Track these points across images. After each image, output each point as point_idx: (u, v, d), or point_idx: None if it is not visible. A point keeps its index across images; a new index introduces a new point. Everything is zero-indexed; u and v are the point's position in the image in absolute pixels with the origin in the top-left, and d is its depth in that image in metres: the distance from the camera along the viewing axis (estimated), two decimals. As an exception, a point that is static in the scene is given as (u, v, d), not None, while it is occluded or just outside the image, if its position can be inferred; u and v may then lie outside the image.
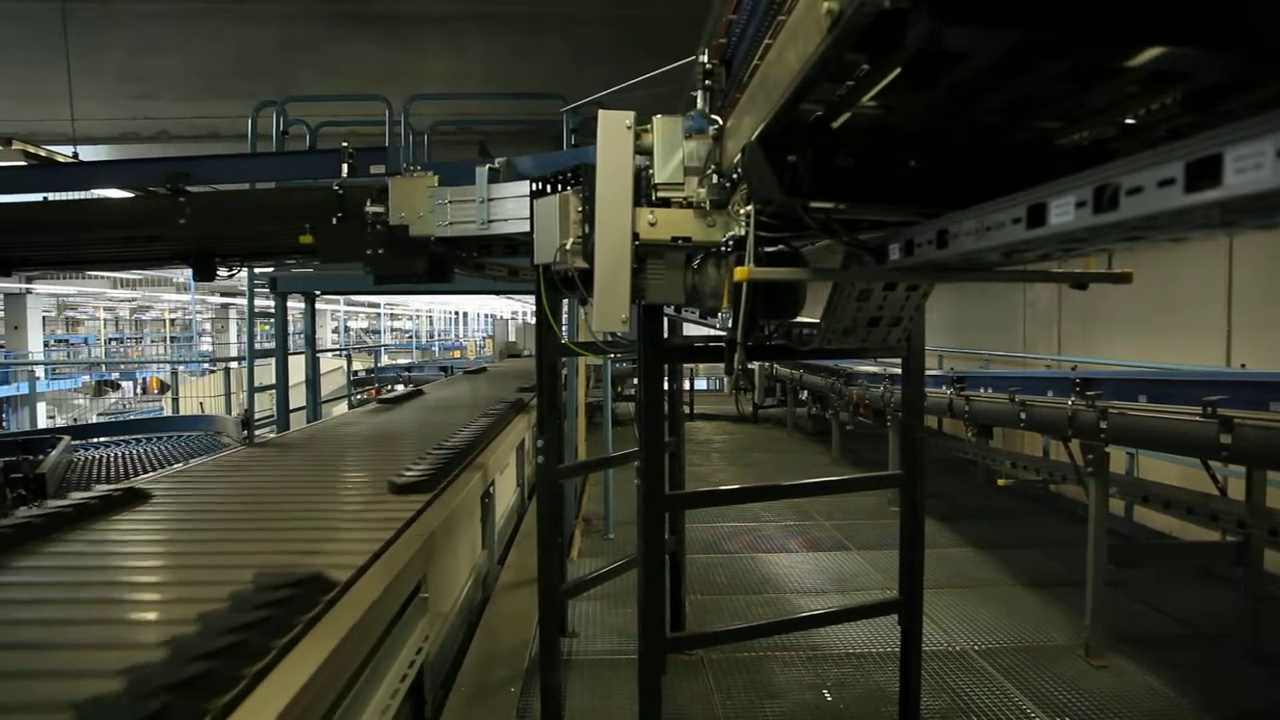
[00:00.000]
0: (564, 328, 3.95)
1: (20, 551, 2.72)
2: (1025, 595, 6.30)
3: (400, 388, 12.95)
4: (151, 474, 4.22)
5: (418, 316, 40.93)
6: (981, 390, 7.10)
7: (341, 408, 13.15)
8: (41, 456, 5.89)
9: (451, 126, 9.68)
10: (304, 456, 4.70)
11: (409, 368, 18.21)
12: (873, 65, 1.60)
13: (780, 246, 2.71)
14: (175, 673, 1.64)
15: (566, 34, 10.28)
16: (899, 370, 3.74)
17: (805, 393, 13.83)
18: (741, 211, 2.34)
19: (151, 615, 2.20)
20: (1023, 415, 6.12)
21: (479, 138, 9.88)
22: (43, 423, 16.71)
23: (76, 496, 3.24)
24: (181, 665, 1.68)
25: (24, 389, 17.59)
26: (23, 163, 5.62)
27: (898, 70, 1.57)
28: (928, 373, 4.15)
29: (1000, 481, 8.15)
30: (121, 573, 2.58)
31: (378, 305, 36.01)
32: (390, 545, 2.70)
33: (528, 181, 3.33)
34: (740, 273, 2.20)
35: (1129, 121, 1.84)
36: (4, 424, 17.51)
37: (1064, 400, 5.49)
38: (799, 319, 3.02)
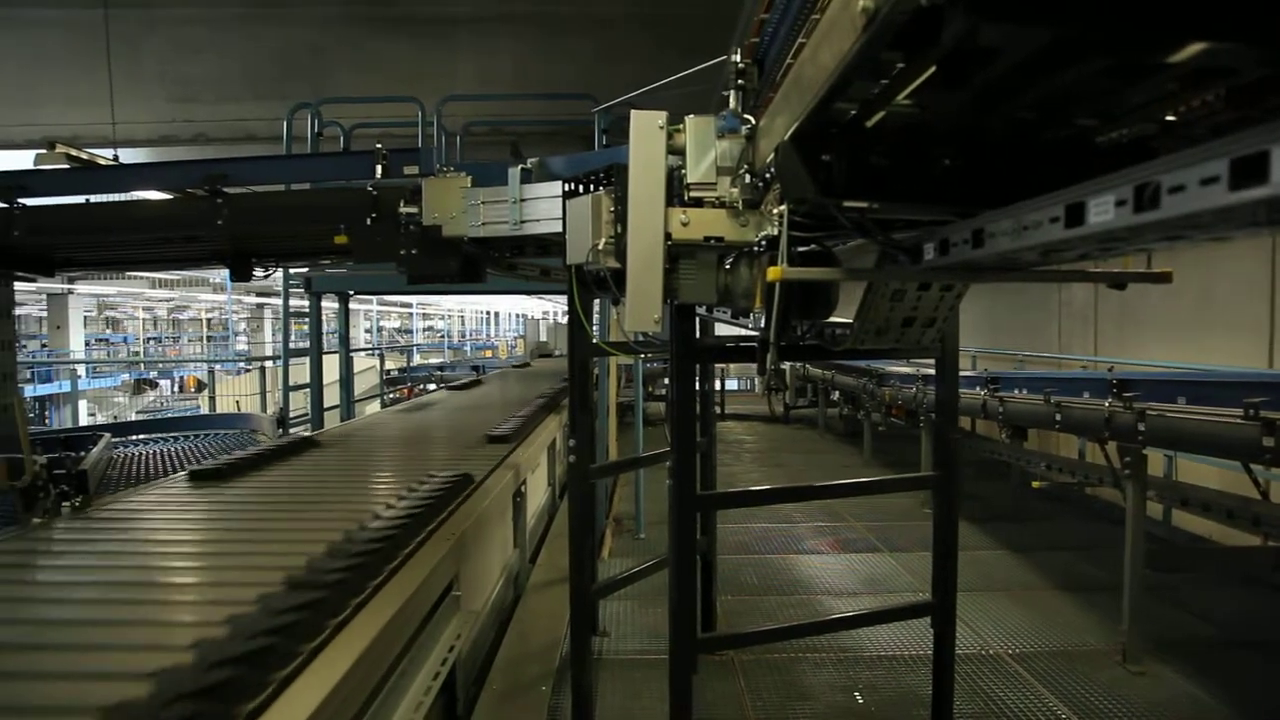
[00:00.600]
0: (595, 327, 3.96)
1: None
2: (1060, 599, 6.22)
3: (433, 386, 13.05)
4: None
5: (449, 316, 41.20)
6: (1016, 391, 7.02)
7: (374, 406, 13.27)
8: (83, 453, 5.98)
9: (483, 127, 9.73)
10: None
11: (441, 367, 18.32)
12: (908, 63, 1.59)
13: (813, 246, 2.70)
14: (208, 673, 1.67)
15: (596, 34, 10.32)
16: (932, 371, 3.71)
17: (837, 393, 13.75)
18: (775, 211, 2.33)
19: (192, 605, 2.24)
20: (1058, 417, 6.04)
21: (510, 138, 9.90)
22: (84, 420, 17.01)
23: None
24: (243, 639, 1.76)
25: (66, 387, 17.93)
26: (66, 166, 5.72)
27: (933, 68, 1.56)
28: (961, 373, 4.12)
29: (1035, 484, 8.05)
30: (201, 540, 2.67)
31: (410, 305, 36.29)
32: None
33: (560, 182, 3.34)
34: (773, 272, 2.19)
35: (1169, 118, 1.81)
36: (46, 421, 17.82)
37: (1101, 402, 5.41)
38: (832, 319, 3.00)
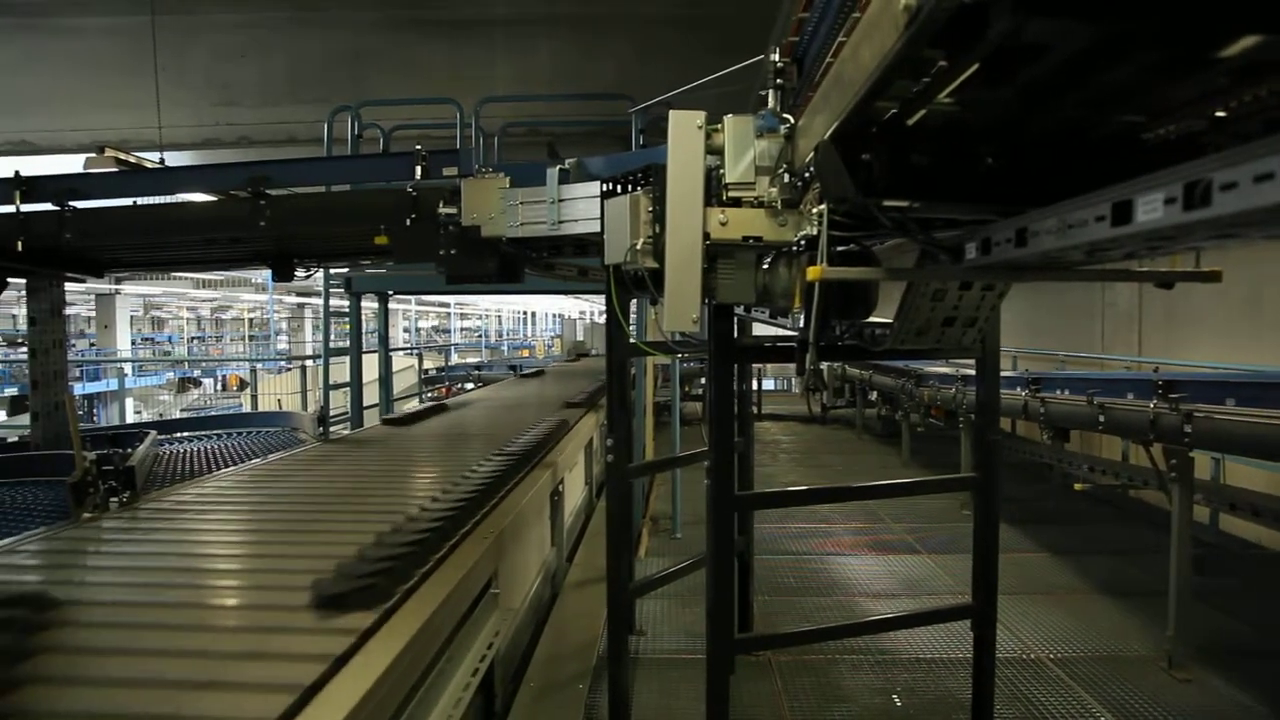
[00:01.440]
0: (632, 327, 3.96)
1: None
2: (1103, 603, 6.13)
3: (471, 385, 13.16)
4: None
5: (487, 316, 41.46)
6: (1058, 392, 6.93)
7: (412, 404, 13.38)
8: (130, 450, 6.10)
9: (521, 128, 9.78)
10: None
11: (478, 366, 18.43)
12: (951, 61, 1.58)
13: (851, 246, 2.68)
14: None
15: (633, 35, 10.33)
16: (971, 371, 3.67)
17: (875, 393, 13.65)
18: (814, 211, 2.32)
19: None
20: (1101, 418, 5.95)
21: (548, 139, 9.97)
22: (130, 417, 17.36)
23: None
24: None
25: (113, 385, 18.31)
26: (114, 169, 5.83)
27: (976, 65, 1.54)
28: (1001, 374, 4.07)
29: (1077, 486, 7.93)
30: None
31: (448, 305, 36.57)
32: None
33: (598, 182, 3.34)
34: (813, 272, 2.18)
35: (1220, 114, 1.77)
36: (95, 418, 18.20)
37: (1145, 403, 5.32)
38: (871, 319, 2.98)
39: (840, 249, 2.53)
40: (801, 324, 2.55)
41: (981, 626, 3.57)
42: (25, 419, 7.97)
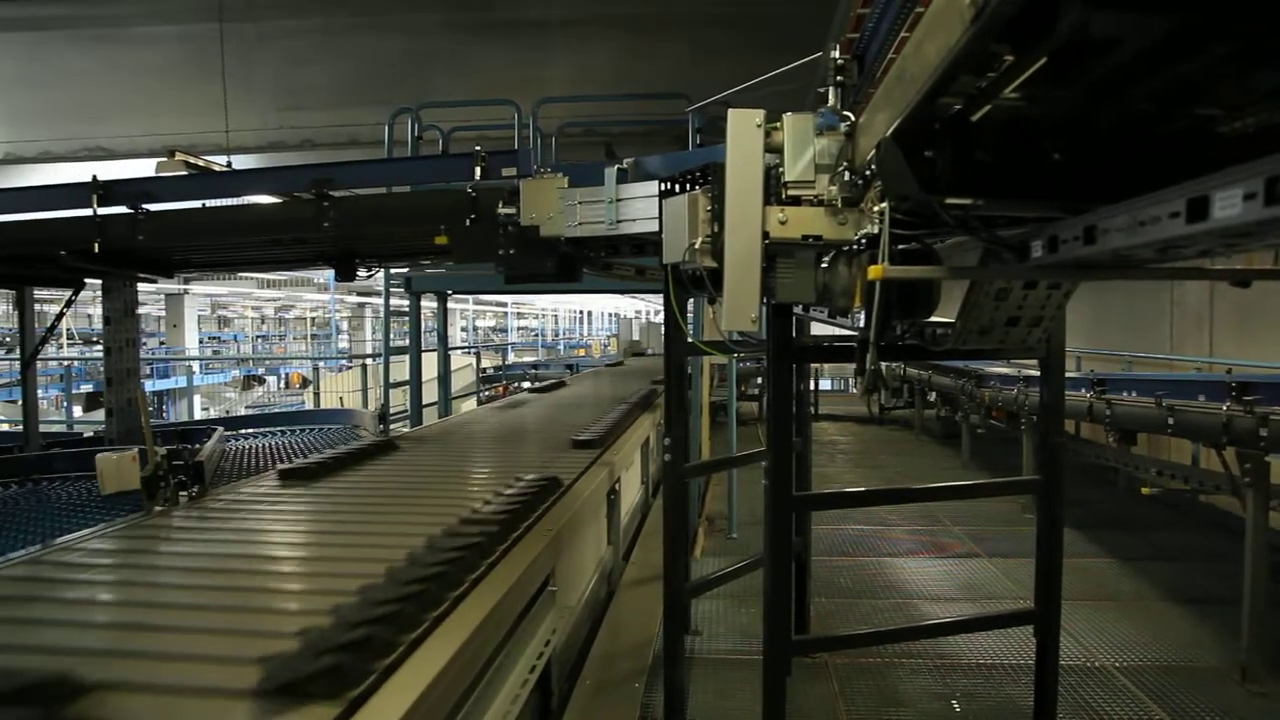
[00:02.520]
0: (689, 326, 3.96)
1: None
2: (1172, 611, 5.96)
3: (526, 385, 13.28)
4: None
5: (543, 315, 41.74)
6: (1124, 394, 6.76)
7: (470, 404, 13.54)
8: (199, 445, 6.27)
9: (578, 128, 9.83)
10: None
11: (535, 365, 18.56)
12: (1017, 56, 1.55)
13: (913, 244, 2.65)
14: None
15: (689, 34, 10.34)
16: (1033, 371, 3.60)
17: (934, 394, 13.46)
18: (875, 209, 2.30)
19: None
20: (1171, 420, 5.80)
21: (605, 139, 10.00)
22: (198, 414, 17.83)
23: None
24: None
25: (182, 382, 18.82)
26: (184, 172, 6.00)
27: (1043, 60, 1.52)
28: (1066, 374, 3.98)
29: (1144, 490, 7.72)
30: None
31: (505, 305, 36.90)
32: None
33: (656, 181, 3.35)
34: (874, 271, 2.16)
35: (1303, 106, 1.72)
36: (164, 415, 18.72)
37: (1218, 405, 5.17)
38: (932, 318, 2.94)
39: (901, 247, 2.50)
40: (862, 323, 2.53)
41: (1044, 632, 3.51)
42: (100, 415, 8.22)
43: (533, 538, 2.86)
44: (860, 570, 6.95)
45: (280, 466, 4.07)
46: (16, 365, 9.92)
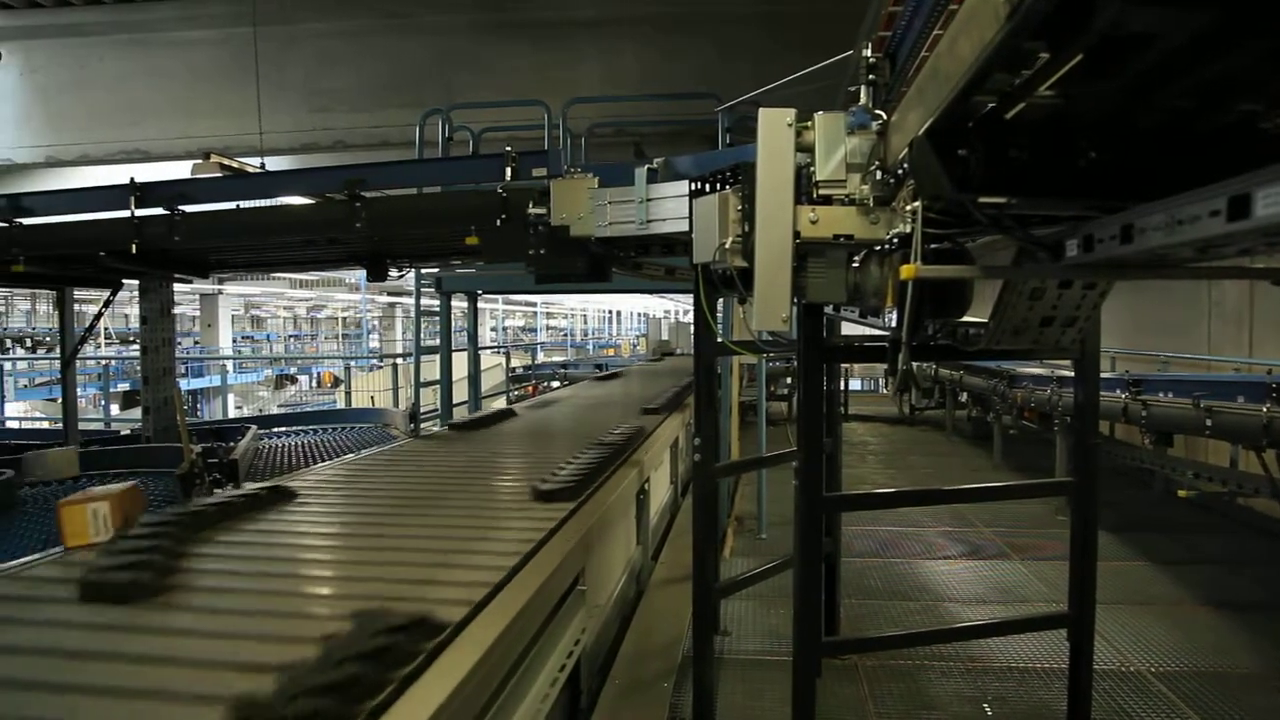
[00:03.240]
0: (719, 326, 3.96)
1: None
2: (1209, 616, 5.87)
3: (556, 384, 13.33)
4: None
5: (572, 315, 41.84)
6: (1160, 394, 6.67)
7: (500, 402, 13.60)
8: (233, 444, 6.37)
9: (607, 129, 9.85)
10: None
11: (564, 365, 18.62)
12: (1053, 53, 1.54)
13: (946, 243, 2.63)
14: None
15: (718, 33, 10.34)
16: (1067, 372, 3.56)
17: (965, 395, 13.34)
18: (908, 208, 2.29)
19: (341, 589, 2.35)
20: (1209, 422, 5.71)
21: (634, 139, 10.01)
22: (231, 413, 18.07)
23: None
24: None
25: (216, 381, 19.07)
26: (219, 174, 6.08)
27: (1080, 56, 1.50)
28: (1100, 375, 3.94)
29: (1181, 493, 7.62)
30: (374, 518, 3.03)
31: (534, 304, 37.04)
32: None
33: (686, 181, 3.35)
34: (907, 271, 2.15)
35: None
36: (198, 413, 18.98)
37: (1258, 407, 5.09)
38: (964, 318, 2.92)
39: (933, 247, 2.49)
40: (893, 323, 2.52)
41: (1078, 636, 3.46)
42: (137, 412, 8.34)
43: (562, 537, 2.87)
44: (891, 571, 6.90)
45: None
46: (57, 364, 10.10)
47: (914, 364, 2.45)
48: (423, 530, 2.91)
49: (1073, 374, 3.48)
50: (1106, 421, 8.16)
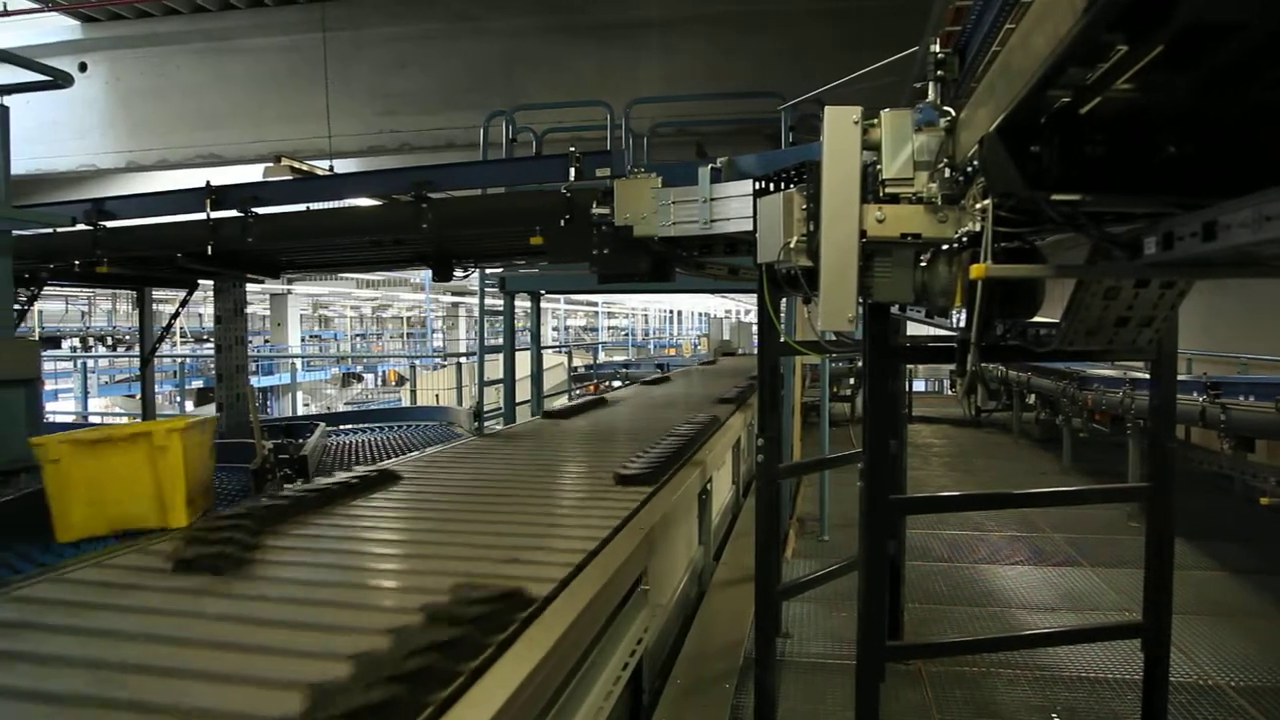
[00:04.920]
0: (782, 326, 3.94)
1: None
2: (1293, 629, 5.65)
3: (617, 384, 13.39)
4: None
5: (633, 315, 41.93)
6: (1241, 398, 6.44)
7: (562, 401, 13.70)
8: (303, 440, 6.52)
9: (670, 128, 9.85)
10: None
11: (625, 364, 18.67)
12: (1132, 45, 1.50)
13: (1017, 242, 2.58)
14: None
15: (782, 32, 10.27)
16: (1140, 374, 3.46)
17: (1033, 396, 13.04)
18: (977, 206, 2.25)
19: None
20: (1292, 427, 5.51)
21: (696, 139, 10.00)
22: (300, 410, 18.49)
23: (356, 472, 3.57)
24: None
25: (285, 379, 19.54)
26: (289, 177, 6.24)
27: (1160, 48, 1.46)
28: (1177, 377, 3.82)
29: (1263, 500, 7.33)
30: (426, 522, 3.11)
31: (595, 304, 37.21)
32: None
33: (750, 180, 3.34)
34: (977, 270, 2.11)
35: None
36: (268, 410, 19.46)
37: (1346, 411, 4.89)
38: (1034, 318, 2.86)
39: (1003, 245, 2.44)
40: (961, 323, 2.48)
41: (1153, 646, 3.37)
42: (211, 409, 8.59)
43: (625, 536, 2.88)
44: (955, 576, 6.78)
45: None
46: (136, 362, 10.45)
47: (982, 365, 2.41)
48: (513, 512, 3.20)
49: (1147, 376, 3.39)
50: (1183, 425, 7.92)
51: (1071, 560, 7.16)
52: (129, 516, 4.22)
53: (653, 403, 7.95)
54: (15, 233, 5.50)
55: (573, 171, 4.35)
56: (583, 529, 2.87)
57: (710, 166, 3.57)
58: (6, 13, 11.19)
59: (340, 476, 3.56)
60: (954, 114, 2.50)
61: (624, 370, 17.01)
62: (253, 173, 8.82)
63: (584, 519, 3.06)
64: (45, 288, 6.88)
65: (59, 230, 5.90)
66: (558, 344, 26.16)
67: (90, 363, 20.15)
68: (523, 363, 9.71)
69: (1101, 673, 4.92)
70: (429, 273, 6.34)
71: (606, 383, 15.54)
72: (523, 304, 9.90)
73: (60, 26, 11.76)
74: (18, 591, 2.26)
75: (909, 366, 13.76)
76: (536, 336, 9.82)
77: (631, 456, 3.96)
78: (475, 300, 9.46)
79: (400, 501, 3.42)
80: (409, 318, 39.90)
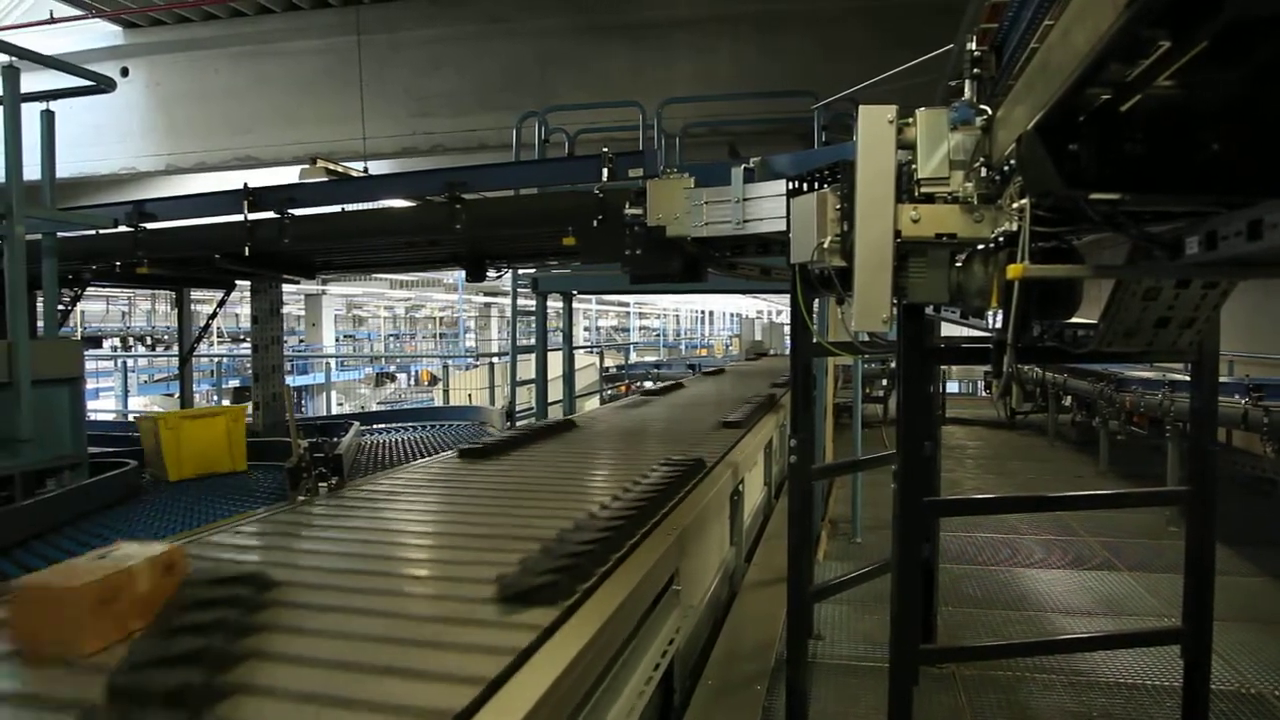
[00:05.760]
0: (815, 326, 3.92)
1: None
2: (1339, 636, 5.53)
3: (650, 383, 13.41)
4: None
5: (664, 315, 41.91)
6: (1285, 400, 6.33)
7: (594, 402, 13.73)
8: (337, 439, 6.58)
9: (702, 128, 9.83)
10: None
11: (657, 365, 18.67)
12: (1175, 40, 1.47)
13: (1054, 242, 2.55)
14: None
15: (814, 31, 10.22)
16: (1179, 376, 3.41)
17: (1069, 398, 12.87)
18: (1014, 206, 2.22)
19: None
20: (1338, 430, 5.39)
21: (728, 139, 9.98)
22: (334, 409, 18.69)
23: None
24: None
25: (320, 378, 19.76)
26: (324, 179, 6.31)
27: (1204, 44, 1.44)
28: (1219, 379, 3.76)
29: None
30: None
31: (627, 304, 37.24)
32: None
33: (783, 180, 3.33)
34: (1014, 270, 2.09)
35: None
36: (303, 409, 19.68)
37: (1395, 415, 4.78)
38: (1072, 319, 2.82)
39: (1040, 245, 2.41)
40: (998, 324, 2.45)
41: (1193, 652, 3.31)
42: (246, 408, 8.66)
43: (658, 536, 2.88)
44: (989, 579, 6.71)
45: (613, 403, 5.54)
46: (174, 362, 10.61)
47: (1018, 366, 2.39)
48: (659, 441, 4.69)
49: (1187, 377, 3.33)
50: (1224, 428, 7.79)
51: (1108, 564, 7.07)
52: (212, 463, 6.51)
53: (719, 387, 9.26)
54: (60, 234, 5.61)
55: (605, 172, 4.36)
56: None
57: (743, 166, 3.56)
58: (53, 20, 11.42)
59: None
60: (991, 112, 2.47)
61: (655, 370, 17.00)
62: (289, 174, 8.93)
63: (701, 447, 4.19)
64: (88, 288, 7.01)
65: (101, 232, 6.02)
66: (589, 344, 26.21)
67: (130, 362, 20.49)
68: (554, 363, 9.74)
69: (1139, 679, 4.85)
70: (462, 273, 6.39)
71: (639, 383, 15.55)
72: (555, 304, 9.93)
73: (103, 33, 11.99)
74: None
75: (943, 368, 13.63)
76: (569, 336, 9.85)
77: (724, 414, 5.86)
78: (507, 300, 9.51)
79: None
80: (442, 318, 40.17)
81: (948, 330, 5.61)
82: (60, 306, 5.93)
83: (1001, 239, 2.40)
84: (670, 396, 8.27)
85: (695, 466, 3.86)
